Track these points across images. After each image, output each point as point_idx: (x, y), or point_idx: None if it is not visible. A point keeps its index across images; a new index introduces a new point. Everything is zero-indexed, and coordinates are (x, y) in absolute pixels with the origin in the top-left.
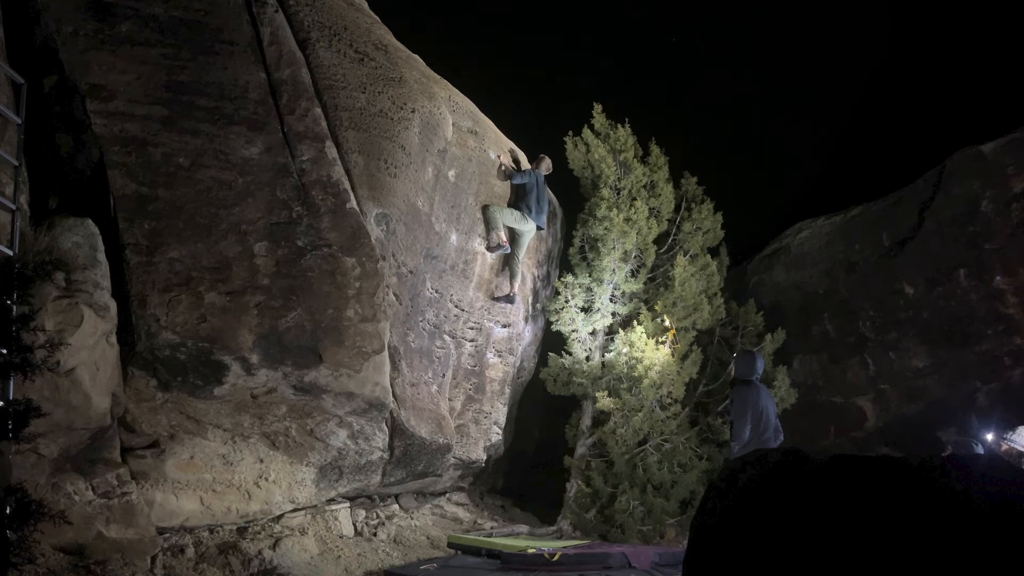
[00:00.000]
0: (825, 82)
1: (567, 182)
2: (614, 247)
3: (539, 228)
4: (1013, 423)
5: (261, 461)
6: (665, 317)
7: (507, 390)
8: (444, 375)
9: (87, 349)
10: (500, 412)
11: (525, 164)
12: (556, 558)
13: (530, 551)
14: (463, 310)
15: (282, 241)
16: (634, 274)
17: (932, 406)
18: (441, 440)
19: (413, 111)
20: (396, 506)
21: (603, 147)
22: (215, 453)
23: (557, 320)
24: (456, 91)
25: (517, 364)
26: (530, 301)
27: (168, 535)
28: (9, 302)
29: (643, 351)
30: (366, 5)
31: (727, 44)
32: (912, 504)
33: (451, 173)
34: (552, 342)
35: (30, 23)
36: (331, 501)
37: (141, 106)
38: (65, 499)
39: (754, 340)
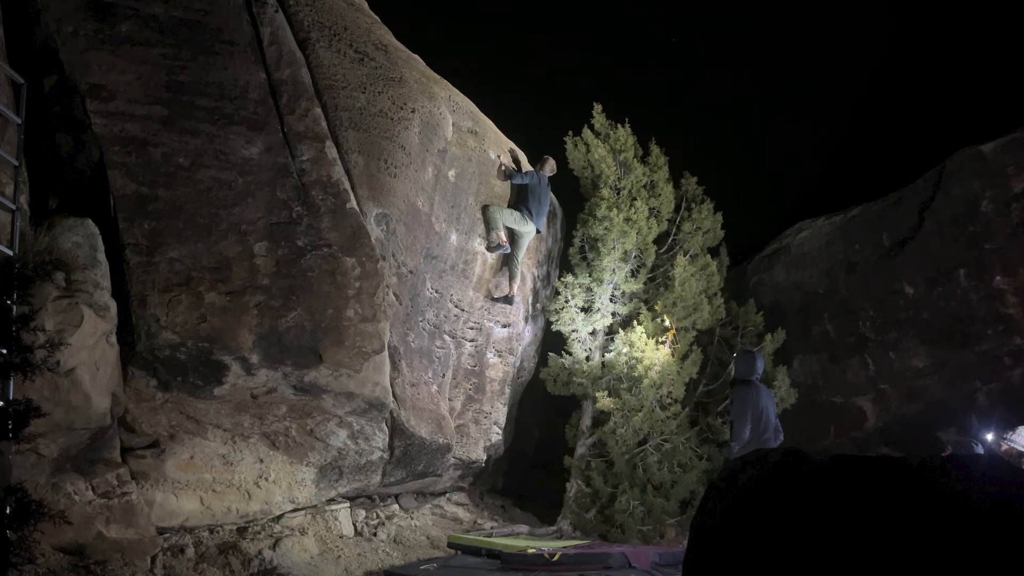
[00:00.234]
0: (825, 82)
1: (567, 182)
2: (614, 247)
3: (537, 231)
4: (1013, 423)
5: (261, 461)
6: (665, 317)
7: (507, 390)
8: (444, 375)
9: (87, 349)
10: (500, 412)
11: (525, 164)
12: (556, 558)
13: (530, 551)
14: (463, 310)
15: (282, 241)
16: (634, 274)
17: (932, 406)
18: (441, 440)
19: (413, 111)
20: (396, 506)
21: (603, 147)
22: (215, 453)
23: (557, 320)
24: (456, 91)
25: (517, 364)
26: (530, 301)
27: (168, 535)
28: (9, 302)
29: (643, 351)
30: (366, 5)
31: (727, 44)
32: (912, 504)
33: (451, 173)
34: (552, 342)
35: (30, 23)
36: (331, 501)
37: (141, 106)
38: (65, 499)
39: (754, 340)
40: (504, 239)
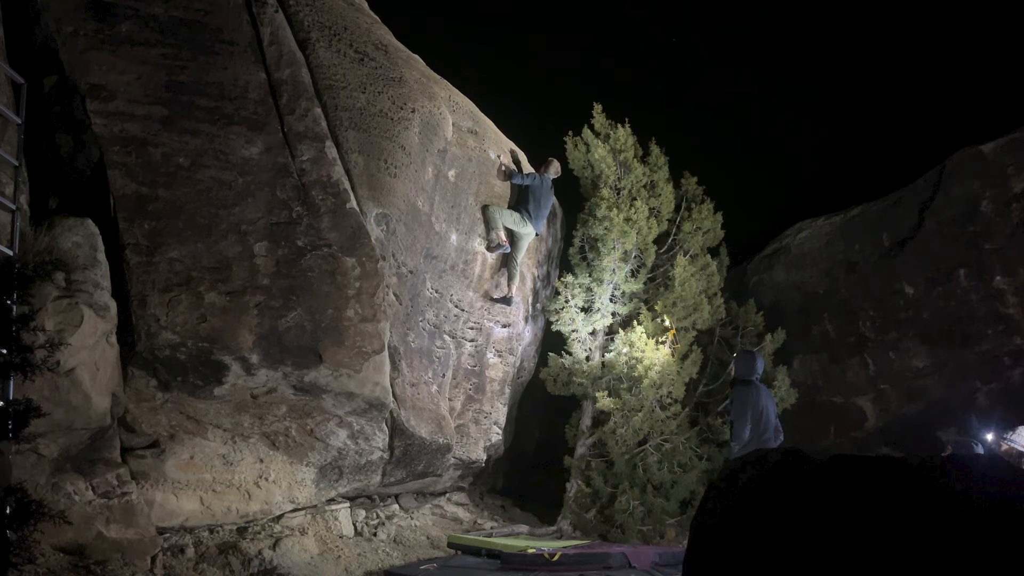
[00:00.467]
0: (825, 82)
1: (567, 182)
2: (614, 247)
3: (536, 234)
4: (1013, 423)
5: (261, 461)
6: (665, 317)
7: (507, 390)
8: (444, 375)
9: (87, 349)
10: (500, 412)
11: (525, 164)
12: (556, 558)
13: (530, 551)
14: (463, 310)
15: (282, 241)
16: (634, 274)
17: (932, 406)
18: (441, 440)
19: (413, 111)
20: (396, 506)
21: (603, 147)
22: (215, 453)
23: (557, 320)
24: (456, 91)
25: (517, 364)
26: (530, 301)
27: (168, 535)
28: (9, 302)
29: (643, 351)
30: (366, 5)
31: (727, 44)
32: (912, 504)
33: (451, 173)
34: (552, 342)
35: (30, 23)
36: (331, 501)
37: (141, 106)
38: (65, 499)
39: (754, 340)
40: (504, 239)
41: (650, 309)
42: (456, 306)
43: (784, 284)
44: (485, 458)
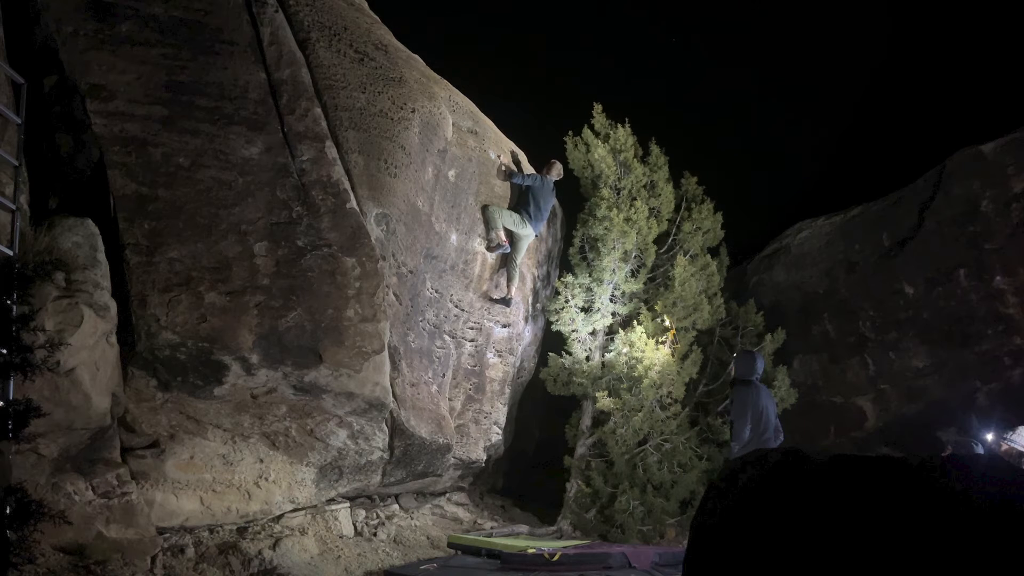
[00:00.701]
0: (825, 82)
1: (567, 182)
2: (614, 247)
3: (536, 235)
4: (1013, 423)
5: (261, 461)
6: (665, 317)
7: (507, 390)
8: (444, 375)
9: (87, 349)
10: (500, 412)
11: (526, 164)
12: (556, 558)
13: (530, 551)
14: (463, 310)
15: (282, 241)
16: (634, 274)
17: (932, 406)
18: (441, 440)
19: (413, 111)
20: (396, 506)
21: (603, 147)
22: (215, 453)
23: (557, 320)
24: (456, 91)
25: (517, 364)
26: (530, 301)
27: (168, 535)
28: (9, 302)
29: (643, 351)
30: (366, 5)
31: (727, 44)
32: (912, 504)
33: (451, 173)
34: (552, 342)
35: (30, 23)
36: (331, 501)
37: (141, 106)
38: (65, 499)
39: (754, 340)
40: (504, 239)
41: (650, 309)
42: (456, 306)
43: (784, 284)
44: (485, 458)
